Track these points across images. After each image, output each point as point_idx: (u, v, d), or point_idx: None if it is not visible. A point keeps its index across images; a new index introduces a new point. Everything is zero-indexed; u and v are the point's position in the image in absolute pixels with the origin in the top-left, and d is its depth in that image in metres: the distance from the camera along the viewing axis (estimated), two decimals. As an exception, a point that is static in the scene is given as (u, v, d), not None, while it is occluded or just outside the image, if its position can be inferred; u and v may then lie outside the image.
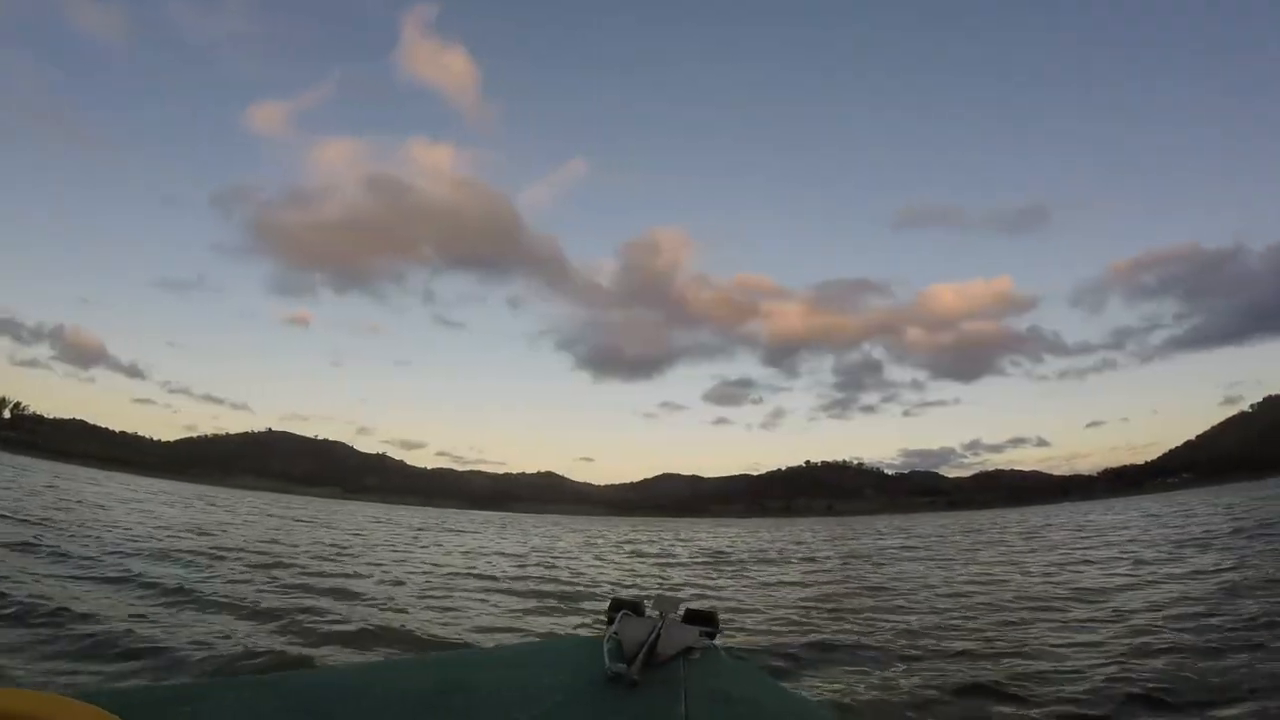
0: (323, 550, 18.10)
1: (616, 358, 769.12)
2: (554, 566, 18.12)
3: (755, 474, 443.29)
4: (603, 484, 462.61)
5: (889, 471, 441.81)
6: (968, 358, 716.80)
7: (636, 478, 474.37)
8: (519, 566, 17.80)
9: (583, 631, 8.14)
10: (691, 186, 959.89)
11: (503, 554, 22.42)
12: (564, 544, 30.57)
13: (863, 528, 61.48)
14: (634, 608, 2.88)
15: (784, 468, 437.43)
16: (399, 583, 12.58)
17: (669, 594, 3.38)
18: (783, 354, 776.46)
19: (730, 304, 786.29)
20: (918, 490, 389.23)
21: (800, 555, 24.63)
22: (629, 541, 35.03)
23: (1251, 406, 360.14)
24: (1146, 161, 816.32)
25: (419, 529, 37.78)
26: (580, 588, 13.48)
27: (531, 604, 11.12)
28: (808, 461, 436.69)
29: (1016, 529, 38.55)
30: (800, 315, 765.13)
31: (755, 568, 19.46)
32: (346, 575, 13.08)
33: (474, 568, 16.73)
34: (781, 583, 15.27)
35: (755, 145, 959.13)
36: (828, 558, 23.16)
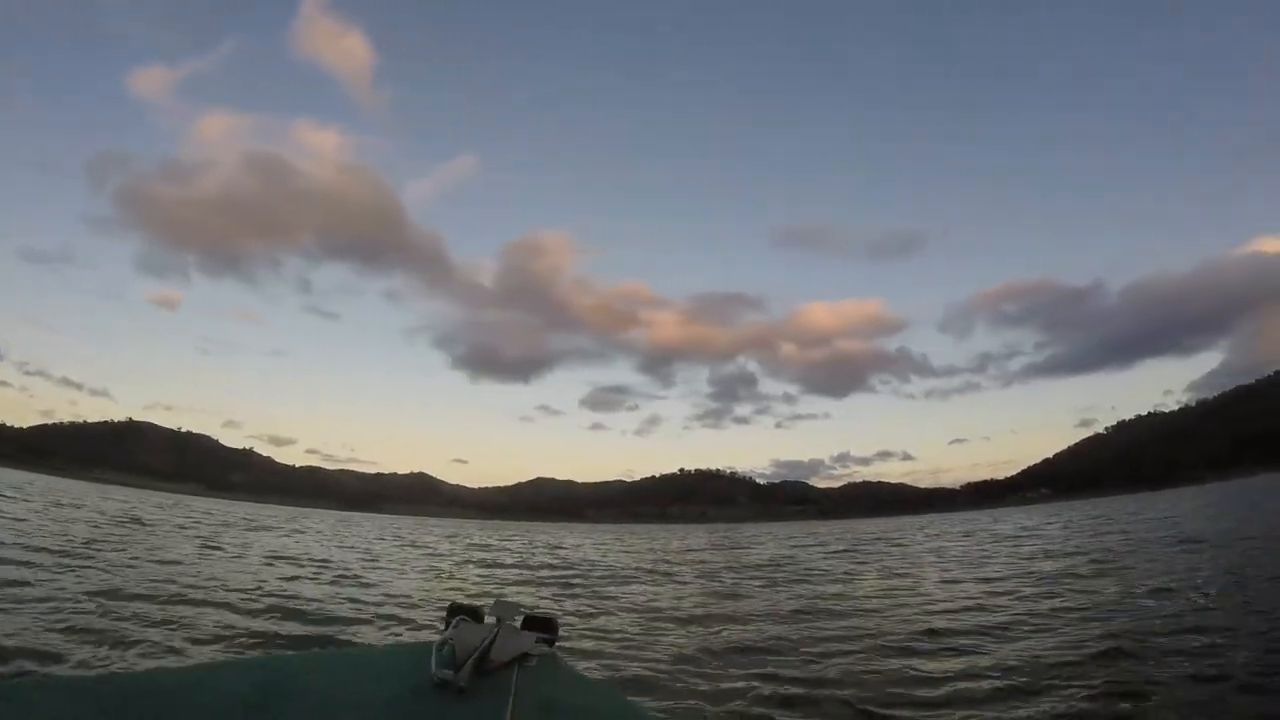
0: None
1: (494, 359, 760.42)
2: (342, 582, 15.03)
3: (630, 480, 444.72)
4: (476, 487, 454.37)
5: (761, 481, 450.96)
6: (839, 374, 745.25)
7: (510, 481, 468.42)
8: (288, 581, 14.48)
9: (418, 637, 7.73)
10: (578, 192, 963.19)
11: (296, 560, 19.27)
12: (394, 550, 27.90)
13: (739, 536, 62.69)
14: (471, 613, 2.86)
15: (659, 475, 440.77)
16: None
17: (509, 599, 3.17)
18: (659, 363, 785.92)
19: (610, 311, 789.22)
20: (789, 499, 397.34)
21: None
22: (485, 547, 33.17)
23: (1106, 429, 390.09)
24: (1018, 200, 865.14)
25: (223, 525, 34.80)
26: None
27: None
28: (682, 469, 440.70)
29: (903, 542, 38.58)
30: (678, 325, 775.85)
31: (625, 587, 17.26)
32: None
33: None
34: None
35: (642, 156, 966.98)
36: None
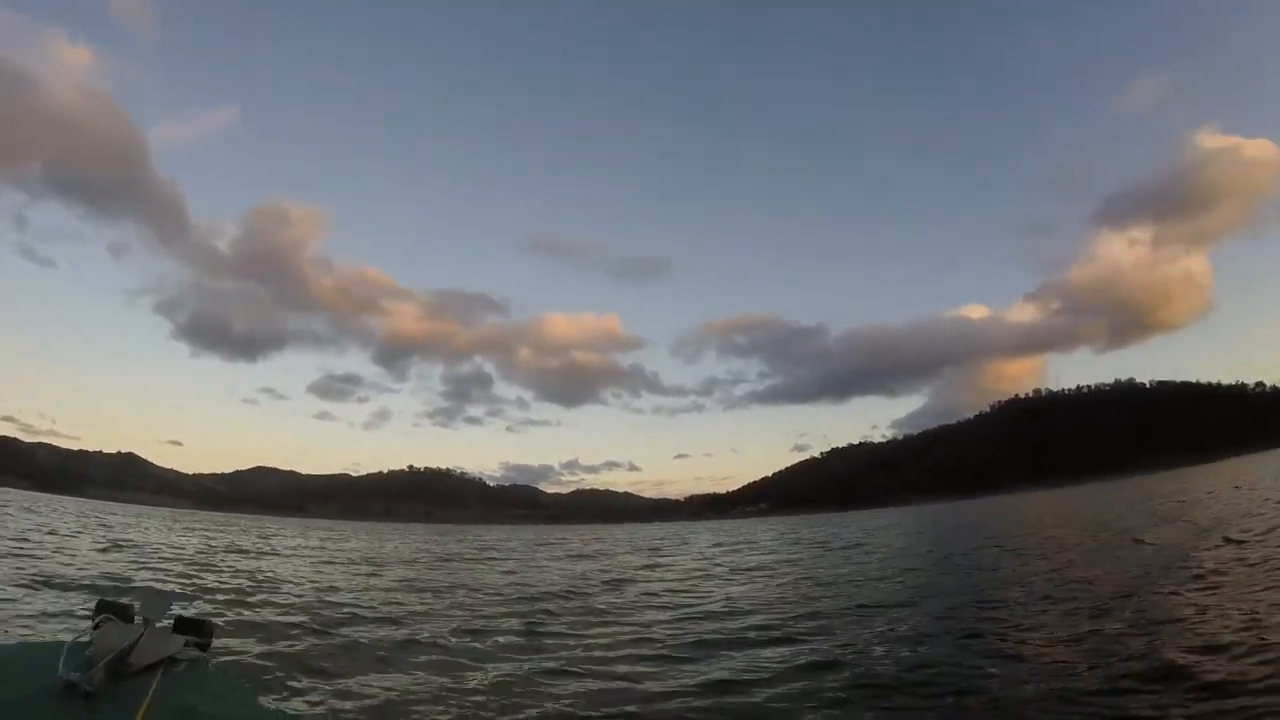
0: None
1: (221, 332, 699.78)
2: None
3: (356, 474, 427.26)
4: (192, 472, 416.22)
5: (491, 483, 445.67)
6: (573, 384, 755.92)
7: (230, 468, 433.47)
8: None
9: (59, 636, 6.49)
10: (335, 167, 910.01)
11: None
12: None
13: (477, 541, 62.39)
14: (119, 611, 2.66)
15: (386, 470, 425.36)
16: None
17: (161, 592, 4.62)
18: (395, 355, 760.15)
19: (350, 295, 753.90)
20: (518, 503, 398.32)
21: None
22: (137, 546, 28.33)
23: (821, 454, 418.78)
24: (758, 240, 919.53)
25: None
26: None
27: None
28: (411, 466, 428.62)
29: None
30: (418, 318, 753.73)
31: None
32: None
33: None
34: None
35: (405, 140, 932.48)
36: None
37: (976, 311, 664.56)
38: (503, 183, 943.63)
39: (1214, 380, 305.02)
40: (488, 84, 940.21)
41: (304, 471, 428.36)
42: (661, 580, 21.71)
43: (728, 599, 16.06)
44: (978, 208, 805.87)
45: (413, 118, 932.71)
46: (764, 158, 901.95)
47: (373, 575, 22.01)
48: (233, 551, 30.22)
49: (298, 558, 29.77)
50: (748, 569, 24.41)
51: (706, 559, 30.65)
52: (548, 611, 14.66)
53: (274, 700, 7.19)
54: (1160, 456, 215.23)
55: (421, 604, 15.62)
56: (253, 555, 29.26)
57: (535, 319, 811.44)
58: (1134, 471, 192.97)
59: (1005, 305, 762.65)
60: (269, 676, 7.87)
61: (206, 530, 50.67)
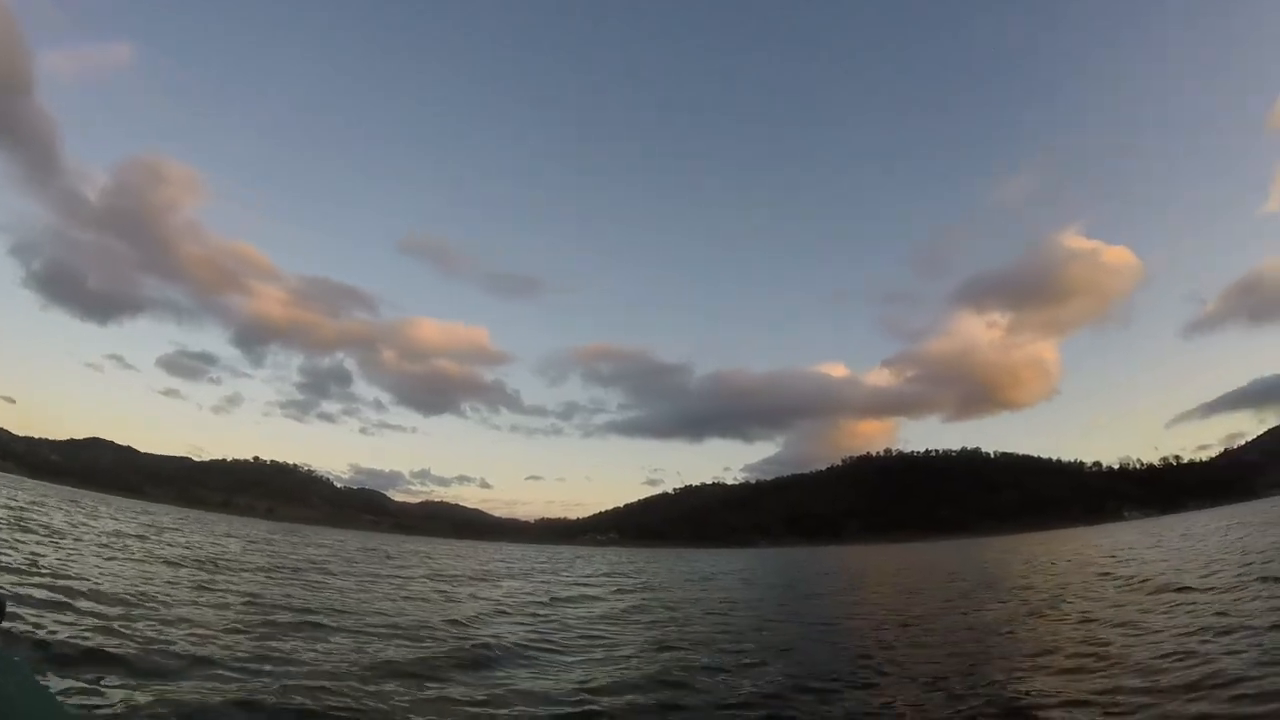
0: None
1: (76, 287, 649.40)
2: None
3: (198, 459, 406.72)
4: (22, 435, 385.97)
5: (338, 484, 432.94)
6: (433, 391, 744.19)
7: (64, 435, 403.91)
8: None
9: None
10: (220, 128, 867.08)
11: None
12: None
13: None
14: None
15: (231, 459, 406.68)
16: None
17: None
18: (255, 338, 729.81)
19: (216, 268, 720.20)
20: (365, 507, 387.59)
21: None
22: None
23: (675, 490, 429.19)
24: (632, 273, 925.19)
25: None
26: None
27: None
28: (257, 457, 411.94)
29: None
30: (283, 303, 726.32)
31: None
32: None
33: None
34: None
35: (299, 115, 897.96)
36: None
37: (837, 370, 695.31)
38: (391, 178, 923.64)
39: (1054, 457, 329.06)
40: (396, 78, 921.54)
41: (143, 449, 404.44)
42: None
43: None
44: (849, 272, 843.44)
45: (315, 98, 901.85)
46: (648, 197, 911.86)
47: (200, 589, 17.93)
48: (28, 529, 27.07)
49: (107, 548, 25.85)
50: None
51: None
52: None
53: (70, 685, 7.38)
54: (1000, 522, 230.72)
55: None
56: (53, 535, 26.64)
57: (405, 320, 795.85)
58: (975, 534, 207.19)
59: (864, 367, 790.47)
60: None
61: (29, 497, 46.87)
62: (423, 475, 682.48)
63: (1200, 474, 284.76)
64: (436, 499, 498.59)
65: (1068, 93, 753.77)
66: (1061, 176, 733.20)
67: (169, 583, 17.87)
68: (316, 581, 23.39)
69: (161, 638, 10.44)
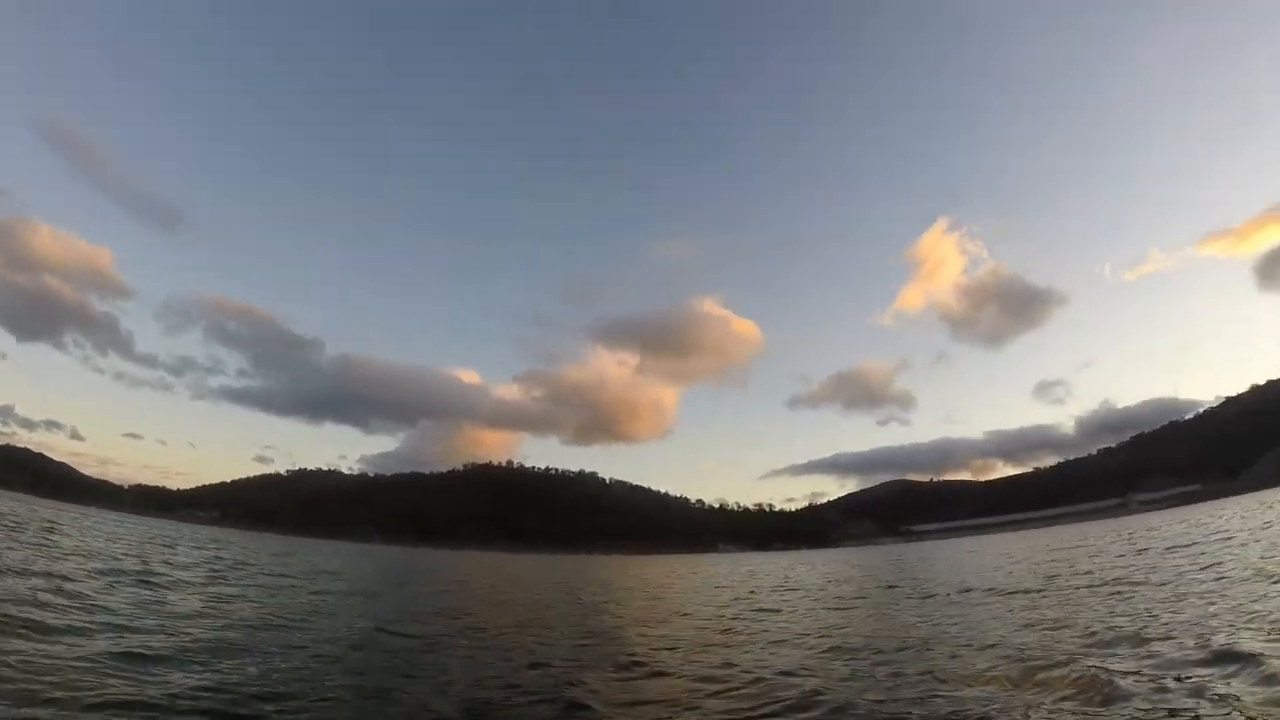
0: None
1: None
2: None
3: None
4: None
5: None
6: (34, 314, 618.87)
7: None
8: None
9: None
10: None
11: None
12: None
13: None
14: None
15: None
16: None
17: None
18: None
19: None
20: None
21: None
22: None
23: (287, 472, 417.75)
24: (283, 227, 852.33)
25: None
26: None
27: None
28: None
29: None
30: None
31: None
32: None
33: None
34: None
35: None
36: None
37: (469, 376, 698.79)
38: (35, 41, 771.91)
39: (663, 490, 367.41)
40: None
41: None
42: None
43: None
44: (500, 288, 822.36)
45: None
46: (327, 167, 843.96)
47: None
48: None
49: None
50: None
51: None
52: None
53: None
54: (611, 541, 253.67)
55: None
56: None
57: (18, 220, 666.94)
58: (587, 551, 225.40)
59: (496, 379, 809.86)
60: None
61: None
62: (6, 413, 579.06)
63: (788, 521, 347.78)
64: (20, 444, 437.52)
65: (741, 183, 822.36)
66: (714, 252, 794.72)
67: None
68: None
69: None
